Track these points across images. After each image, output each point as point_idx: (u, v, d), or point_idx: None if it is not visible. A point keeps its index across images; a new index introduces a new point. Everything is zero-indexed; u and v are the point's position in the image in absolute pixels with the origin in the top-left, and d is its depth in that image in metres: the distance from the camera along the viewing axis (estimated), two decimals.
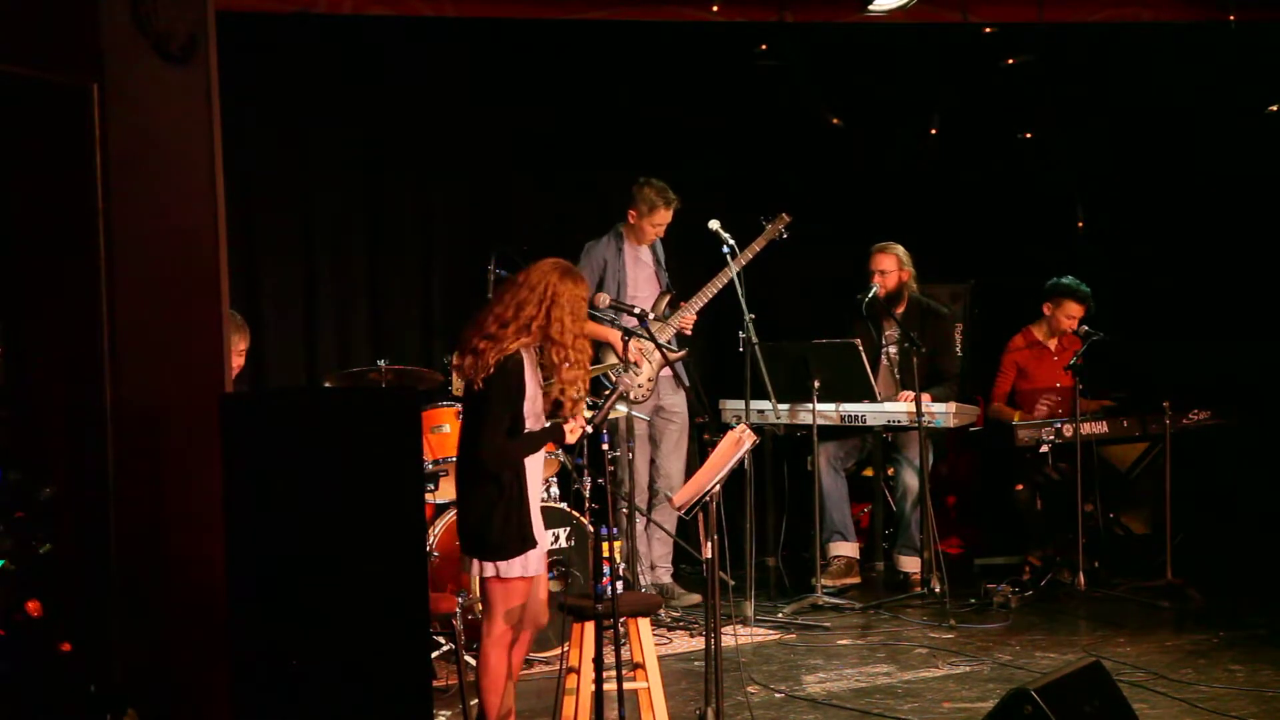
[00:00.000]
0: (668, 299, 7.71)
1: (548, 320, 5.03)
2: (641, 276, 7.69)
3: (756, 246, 7.66)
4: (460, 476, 5.18)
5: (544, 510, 5.38)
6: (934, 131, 8.85)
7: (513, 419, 5.02)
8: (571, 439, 5.19)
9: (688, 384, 7.41)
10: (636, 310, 6.04)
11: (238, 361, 6.42)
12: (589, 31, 8.17)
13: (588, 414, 5.34)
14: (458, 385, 6.73)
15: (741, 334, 7.39)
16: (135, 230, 4.98)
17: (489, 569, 5.06)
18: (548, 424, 5.18)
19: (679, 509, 5.18)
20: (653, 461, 7.69)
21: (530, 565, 5.09)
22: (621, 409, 7.17)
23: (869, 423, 7.86)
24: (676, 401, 7.68)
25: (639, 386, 7.55)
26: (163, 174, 5.03)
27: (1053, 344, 8.23)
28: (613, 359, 7.51)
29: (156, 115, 5.02)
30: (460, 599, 6.16)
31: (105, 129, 4.93)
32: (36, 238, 4.97)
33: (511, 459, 5.03)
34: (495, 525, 5.01)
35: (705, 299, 7.64)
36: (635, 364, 7.51)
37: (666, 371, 7.46)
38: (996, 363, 8.44)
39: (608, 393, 5.32)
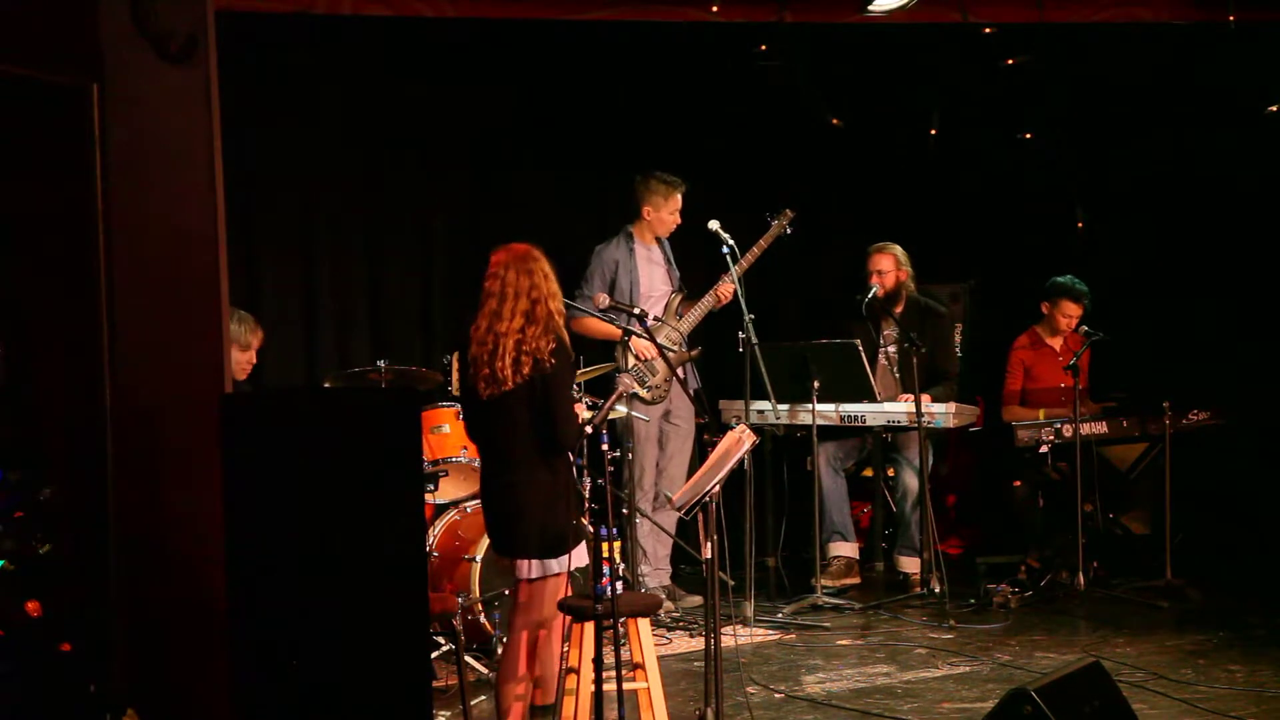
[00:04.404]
0: (680, 297, 7.72)
1: (555, 299, 5.12)
2: (656, 276, 7.70)
3: (764, 243, 7.67)
4: (512, 476, 5.12)
5: None
6: (934, 131, 8.85)
7: None
8: (582, 420, 5.27)
9: (691, 386, 7.42)
10: (636, 311, 6.04)
11: (250, 357, 6.49)
12: (589, 31, 8.17)
13: (588, 414, 5.35)
14: (458, 385, 6.73)
15: (741, 334, 7.39)
16: (135, 231, 4.98)
17: (551, 566, 5.10)
18: None
19: (679, 509, 5.19)
20: (657, 465, 7.69)
21: (582, 558, 5.19)
22: (621, 409, 7.17)
23: (869, 423, 7.86)
24: (684, 406, 7.68)
25: (656, 387, 7.56)
26: (163, 174, 5.04)
27: (1057, 344, 8.23)
28: (629, 358, 7.53)
29: (156, 115, 5.02)
30: (460, 599, 6.17)
31: (105, 129, 4.94)
32: (36, 238, 4.98)
33: (580, 434, 5.19)
34: (561, 518, 5.09)
35: (747, 265, 7.59)
36: (651, 360, 7.52)
37: (679, 371, 7.47)
38: (996, 363, 8.44)
39: (625, 389, 5.37)
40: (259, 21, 7.39)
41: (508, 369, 5.03)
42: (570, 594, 5.18)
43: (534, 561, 5.10)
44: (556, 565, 5.11)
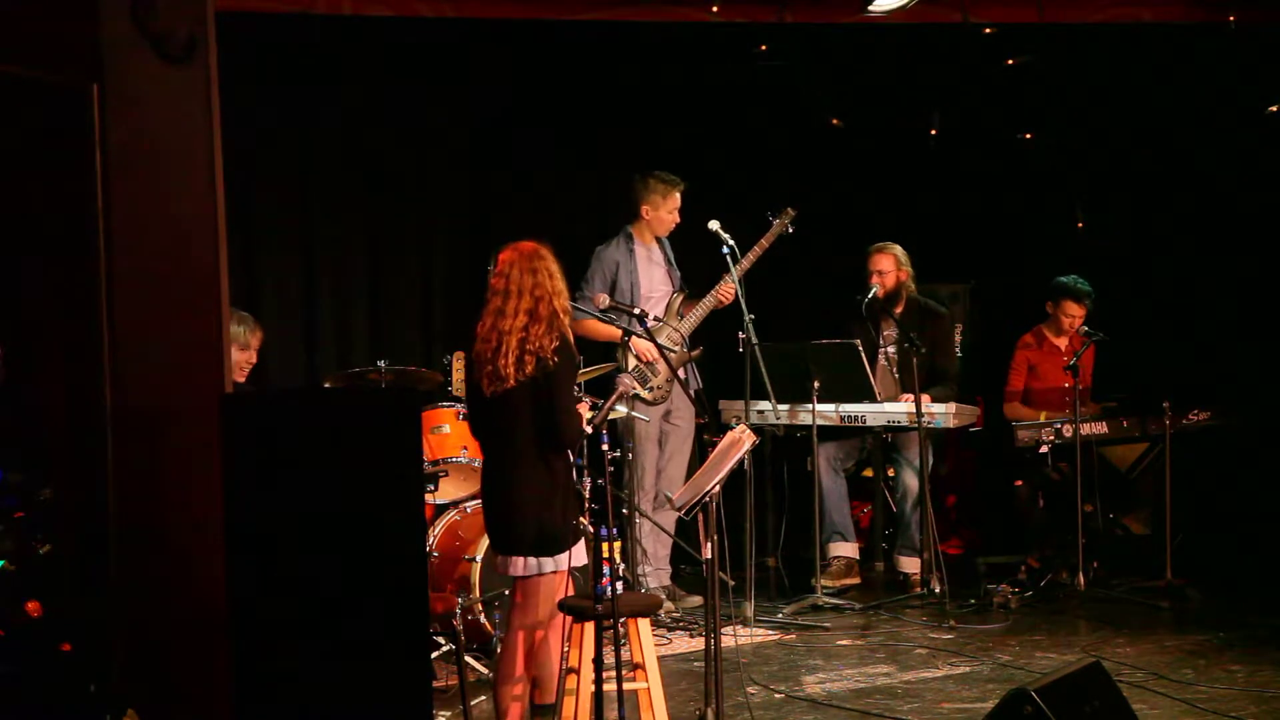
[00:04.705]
0: (681, 297, 7.72)
1: (560, 297, 5.14)
2: (656, 276, 7.70)
3: (765, 243, 7.67)
4: (510, 472, 5.14)
5: None
6: (934, 132, 8.85)
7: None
8: (584, 421, 5.26)
9: (692, 387, 7.43)
10: (636, 311, 6.05)
11: (250, 357, 6.51)
12: (589, 31, 8.17)
13: (588, 414, 5.35)
14: (458, 385, 6.73)
15: (741, 334, 7.39)
16: (135, 230, 4.98)
17: (546, 564, 5.10)
18: None
19: (679, 509, 5.19)
20: (657, 465, 7.69)
21: (579, 557, 5.20)
22: (621, 409, 7.17)
23: (869, 423, 7.85)
24: (685, 406, 7.69)
25: (658, 387, 7.57)
26: (162, 174, 5.04)
27: (1062, 344, 8.23)
28: (630, 359, 7.53)
29: (156, 115, 5.02)
30: (460, 599, 6.17)
31: (105, 129, 4.94)
32: (36, 238, 4.98)
33: (581, 432, 5.18)
34: (557, 516, 5.09)
35: (749, 264, 7.58)
36: (653, 363, 7.52)
37: (681, 372, 7.47)
38: (996, 363, 8.44)
39: (625, 389, 5.37)
40: (259, 21, 7.39)
41: (510, 367, 5.05)
42: (570, 594, 5.18)
43: (529, 559, 5.10)
44: (551, 564, 5.11)
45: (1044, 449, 7.72)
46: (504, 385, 5.07)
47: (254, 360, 6.62)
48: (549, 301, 5.11)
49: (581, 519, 6.42)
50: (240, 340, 6.36)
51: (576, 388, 6.68)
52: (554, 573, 5.13)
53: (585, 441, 5.41)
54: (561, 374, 5.08)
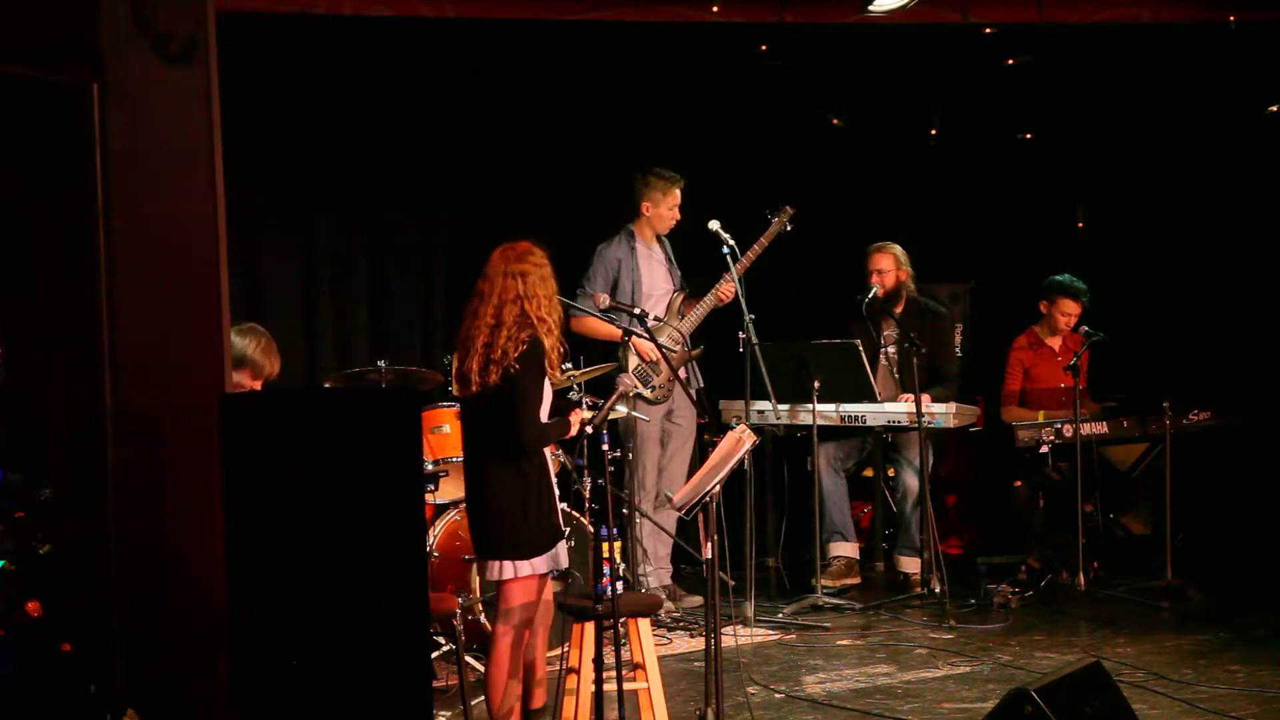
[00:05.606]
0: (681, 297, 7.72)
1: (531, 301, 5.07)
2: (657, 274, 7.70)
3: (764, 241, 7.67)
4: (482, 477, 5.14)
5: None
6: (934, 132, 8.85)
7: (542, 399, 5.11)
8: (575, 430, 5.24)
9: (693, 386, 7.43)
10: (636, 311, 6.05)
11: (256, 387, 6.05)
12: (589, 31, 8.17)
13: (588, 414, 5.35)
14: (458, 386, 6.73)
15: (741, 334, 7.39)
16: (135, 231, 4.98)
17: (524, 568, 5.08)
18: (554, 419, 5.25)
19: (679, 509, 5.19)
20: (659, 464, 7.70)
21: (560, 558, 5.17)
22: (622, 409, 7.18)
23: (869, 423, 7.86)
24: (686, 406, 7.69)
25: (660, 387, 7.57)
26: (162, 174, 5.04)
27: (1056, 344, 8.23)
28: (633, 359, 7.54)
29: (156, 115, 5.03)
30: (460, 599, 6.17)
31: (105, 129, 4.94)
32: (36, 238, 4.98)
33: (548, 439, 5.14)
34: (530, 521, 5.06)
35: (749, 263, 7.59)
36: (654, 362, 7.52)
37: (682, 372, 7.47)
38: (996, 363, 8.44)
39: (626, 389, 5.36)
40: (259, 21, 7.39)
41: (475, 372, 5.06)
42: (562, 593, 5.17)
43: (504, 563, 5.09)
44: (528, 567, 5.09)
45: (1044, 449, 7.72)
46: (471, 389, 5.07)
47: (259, 389, 6.32)
48: (519, 304, 5.06)
49: (582, 519, 6.44)
50: (255, 368, 5.91)
51: (576, 389, 6.71)
52: (530, 576, 5.11)
53: (585, 441, 5.41)
54: (523, 378, 5.02)
